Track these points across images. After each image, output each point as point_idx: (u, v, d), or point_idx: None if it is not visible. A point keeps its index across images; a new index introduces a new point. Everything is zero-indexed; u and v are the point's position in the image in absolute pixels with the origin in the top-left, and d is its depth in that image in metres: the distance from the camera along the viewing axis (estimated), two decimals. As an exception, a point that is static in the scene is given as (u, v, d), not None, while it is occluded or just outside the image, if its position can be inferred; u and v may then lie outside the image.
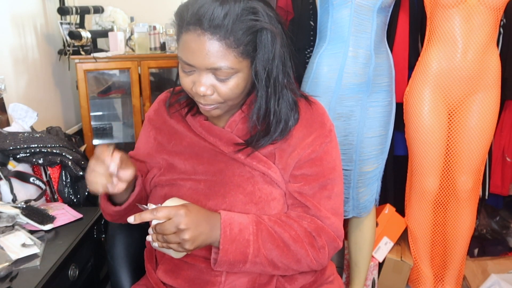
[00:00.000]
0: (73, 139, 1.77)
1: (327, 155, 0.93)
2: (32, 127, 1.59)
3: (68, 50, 2.22)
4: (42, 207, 1.30)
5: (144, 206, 0.82)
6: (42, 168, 1.45)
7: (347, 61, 1.54)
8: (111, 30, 2.42)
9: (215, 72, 0.80)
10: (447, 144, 1.75)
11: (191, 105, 0.97)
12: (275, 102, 0.87)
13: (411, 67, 1.81)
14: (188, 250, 0.80)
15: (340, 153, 0.98)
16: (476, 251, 2.19)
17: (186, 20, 0.79)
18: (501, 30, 1.81)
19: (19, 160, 1.39)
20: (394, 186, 2.08)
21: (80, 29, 2.22)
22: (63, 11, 2.26)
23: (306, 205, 0.91)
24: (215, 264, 0.85)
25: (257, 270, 0.88)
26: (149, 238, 0.82)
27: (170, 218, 0.77)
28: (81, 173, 1.46)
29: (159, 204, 0.82)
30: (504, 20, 1.81)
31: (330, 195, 0.93)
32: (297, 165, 0.91)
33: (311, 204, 0.91)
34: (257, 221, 0.86)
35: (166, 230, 0.77)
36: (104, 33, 2.43)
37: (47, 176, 1.44)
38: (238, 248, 0.83)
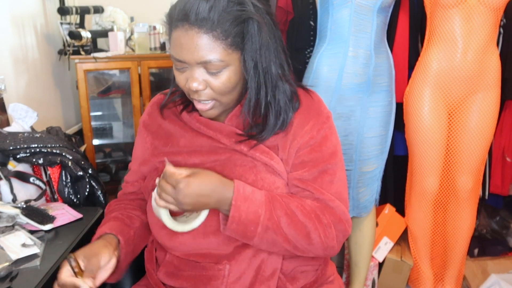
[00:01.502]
0: (73, 139, 1.77)
1: (326, 140, 0.92)
2: (32, 127, 1.59)
3: (68, 50, 2.22)
4: (42, 207, 1.30)
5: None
6: (42, 168, 1.45)
7: (347, 61, 1.54)
8: (111, 30, 2.42)
9: (206, 66, 0.81)
10: (447, 144, 1.75)
11: (186, 102, 0.97)
12: (268, 94, 0.87)
13: (411, 67, 1.81)
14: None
15: (340, 140, 0.97)
16: (476, 251, 2.19)
17: (175, 18, 0.80)
18: (501, 30, 1.82)
19: (19, 160, 1.39)
20: (394, 186, 2.08)
21: (80, 29, 2.23)
22: (63, 11, 2.27)
23: (309, 190, 0.90)
24: (226, 226, 0.84)
25: (268, 240, 0.86)
26: (153, 194, 0.84)
27: (172, 185, 0.80)
28: (81, 173, 1.46)
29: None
30: (504, 20, 1.81)
31: (333, 180, 0.92)
32: (297, 153, 0.91)
33: (313, 188, 0.90)
34: (266, 191, 0.87)
35: (166, 191, 0.80)
36: (104, 33, 2.43)
37: (47, 176, 1.44)
38: (250, 207, 0.82)
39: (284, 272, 0.94)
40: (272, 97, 0.87)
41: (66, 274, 0.79)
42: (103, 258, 0.85)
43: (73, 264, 0.80)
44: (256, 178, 0.89)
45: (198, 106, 0.87)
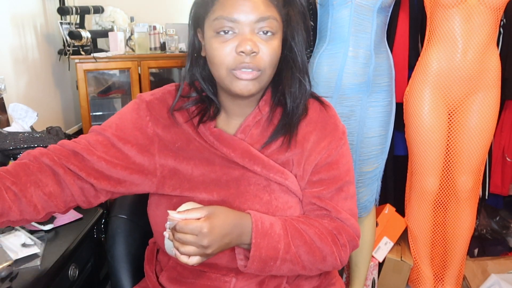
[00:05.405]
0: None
1: (343, 158, 0.93)
2: (32, 127, 1.59)
3: (68, 50, 2.22)
4: (42, 207, 1.30)
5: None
6: (42, 168, 1.45)
7: (347, 61, 1.54)
8: (111, 30, 2.42)
9: (262, 26, 0.80)
10: (447, 144, 1.75)
11: (203, 112, 0.91)
12: (293, 83, 0.88)
13: (411, 67, 1.81)
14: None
15: (351, 154, 0.97)
16: (476, 251, 2.19)
17: None
18: (501, 30, 1.82)
19: (19, 160, 1.39)
20: (394, 186, 2.08)
21: (80, 29, 2.22)
22: (63, 11, 2.26)
23: (326, 209, 0.90)
24: (247, 264, 0.82)
25: (283, 270, 0.85)
26: (166, 234, 0.78)
27: (192, 234, 0.75)
28: (81, 173, 1.46)
29: (176, 213, 0.77)
30: (504, 20, 1.81)
31: (347, 197, 0.92)
32: (314, 170, 0.91)
33: (331, 207, 0.90)
34: (283, 219, 0.86)
35: (187, 242, 0.75)
36: (104, 33, 2.43)
37: (47, 176, 1.44)
38: (270, 242, 0.81)
39: (288, 281, 0.94)
40: (292, 84, 0.89)
41: None
42: None
43: None
44: (271, 197, 0.88)
45: (242, 75, 0.80)
